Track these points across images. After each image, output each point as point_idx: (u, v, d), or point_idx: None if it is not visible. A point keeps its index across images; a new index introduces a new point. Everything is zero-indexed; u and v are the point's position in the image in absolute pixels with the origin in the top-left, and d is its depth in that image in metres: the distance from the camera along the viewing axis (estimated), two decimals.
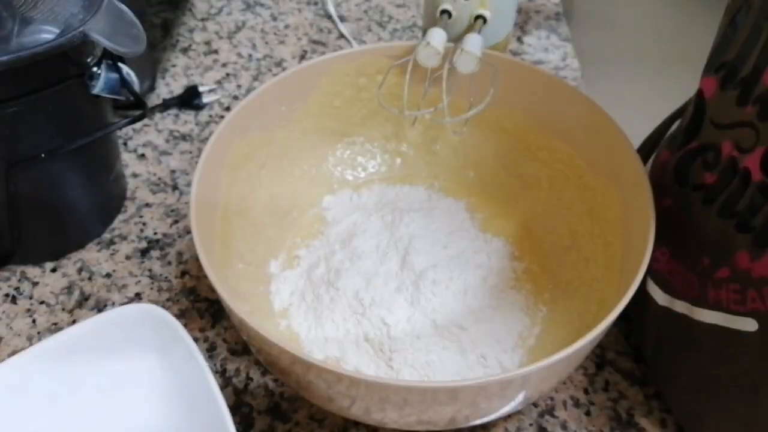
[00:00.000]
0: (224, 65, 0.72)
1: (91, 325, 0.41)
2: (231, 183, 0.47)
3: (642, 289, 0.40)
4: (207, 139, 0.63)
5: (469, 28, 0.51)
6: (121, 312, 0.42)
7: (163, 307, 0.50)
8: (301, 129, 0.53)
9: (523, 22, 0.77)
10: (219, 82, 0.70)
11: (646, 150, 0.47)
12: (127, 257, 0.53)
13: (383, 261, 0.49)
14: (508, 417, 0.44)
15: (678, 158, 0.41)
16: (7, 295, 0.51)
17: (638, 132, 0.47)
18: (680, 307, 0.40)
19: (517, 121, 0.52)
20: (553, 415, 0.45)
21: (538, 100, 0.50)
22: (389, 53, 0.52)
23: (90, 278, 0.52)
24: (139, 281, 0.52)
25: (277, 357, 0.36)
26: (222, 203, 0.46)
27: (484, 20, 0.51)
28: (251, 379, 0.46)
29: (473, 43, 0.49)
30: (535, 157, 0.52)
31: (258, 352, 0.40)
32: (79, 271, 0.52)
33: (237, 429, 0.43)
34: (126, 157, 0.61)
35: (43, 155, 0.45)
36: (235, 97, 0.68)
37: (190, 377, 0.40)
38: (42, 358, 0.40)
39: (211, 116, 0.66)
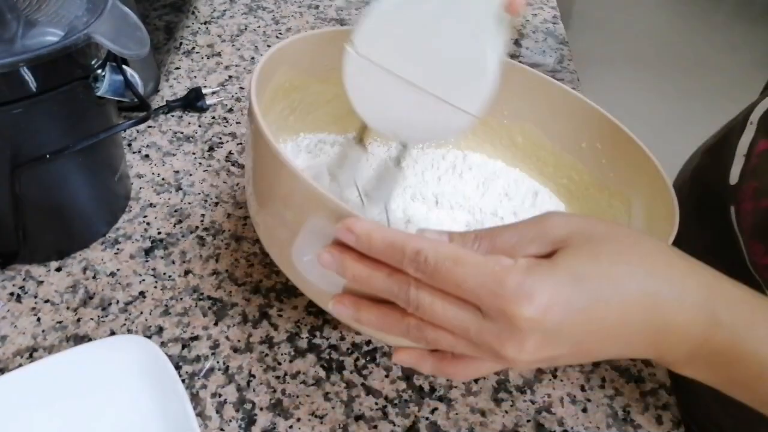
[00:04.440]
0: (227, 68, 0.73)
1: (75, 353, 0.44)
2: (267, 110, 0.47)
3: None
4: (210, 140, 0.64)
5: None
6: (107, 342, 0.44)
7: (167, 305, 0.50)
8: (334, 92, 0.50)
9: (521, 26, 0.78)
10: (222, 85, 0.70)
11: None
12: (132, 256, 0.54)
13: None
14: (505, 413, 0.45)
15: None
16: (12, 293, 0.51)
17: (635, 132, 0.48)
18: None
19: (527, 134, 0.53)
20: (550, 412, 0.45)
21: (546, 111, 0.51)
22: None
23: (94, 277, 0.52)
24: (143, 280, 0.52)
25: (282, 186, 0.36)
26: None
27: None
28: (254, 376, 0.47)
29: None
30: (542, 171, 0.54)
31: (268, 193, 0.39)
32: (84, 270, 0.53)
33: (239, 425, 0.44)
34: (130, 158, 0.62)
35: (48, 156, 0.46)
36: (238, 99, 0.69)
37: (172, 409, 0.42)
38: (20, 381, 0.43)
39: (214, 118, 0.67)
